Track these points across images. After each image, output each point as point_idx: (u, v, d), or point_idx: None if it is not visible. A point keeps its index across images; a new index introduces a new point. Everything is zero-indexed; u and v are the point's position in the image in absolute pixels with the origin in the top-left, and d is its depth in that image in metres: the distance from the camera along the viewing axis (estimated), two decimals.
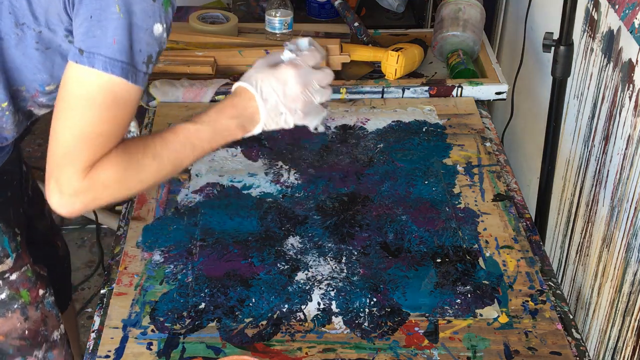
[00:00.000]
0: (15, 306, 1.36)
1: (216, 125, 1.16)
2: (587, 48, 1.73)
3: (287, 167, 1.60)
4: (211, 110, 1.17)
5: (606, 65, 1.62)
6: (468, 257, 1.37)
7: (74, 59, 1.04)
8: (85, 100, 1.04)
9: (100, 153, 1.05)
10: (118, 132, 1.07)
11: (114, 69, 1.03)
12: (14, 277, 1.35)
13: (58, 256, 1.68)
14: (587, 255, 1.74)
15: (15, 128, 1.24)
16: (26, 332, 1.38)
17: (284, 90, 1.17)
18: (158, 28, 1.08)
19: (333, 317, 1.26)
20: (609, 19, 1.60)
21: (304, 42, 1.24)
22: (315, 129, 1.24)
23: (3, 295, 1.34)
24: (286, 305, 1.28)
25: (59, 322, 1.45)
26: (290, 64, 1.18)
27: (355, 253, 1.38)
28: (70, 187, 1.04)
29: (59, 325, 1.45)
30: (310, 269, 1.35)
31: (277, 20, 1.99)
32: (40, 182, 1.43)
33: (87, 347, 1.22)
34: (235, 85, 1.20)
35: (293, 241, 1.41)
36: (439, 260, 1.37)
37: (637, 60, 1.45)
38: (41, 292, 1.40)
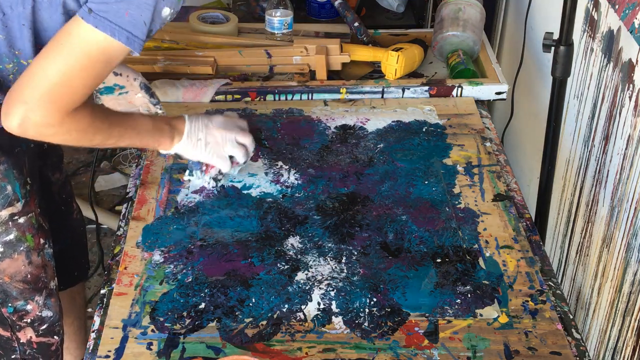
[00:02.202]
0: (21, 248, 1.44)
1: (156, 124, 1.40)
2: (587, 48, 1.73)
3: (287, 167, 1.60)
4: (156, 117, 1.43)
5: (606, 65, 1.62)
6: (468, 257, 1.37)
7: (81, 16, 1.15)
8: (83, 53, 1.16)
9: (78, 102, 1.19)
10: (96, 86, 1.21)
11: (120, 37, 1.15)
12: (21, 220, 1.43)
13: (72, 217, 1.76)
14: (587, 255, 1.74)
15: None
16: (29, 275, 1.47)
17: (208, 124, 1.45)
18: (166, 11, 1.21)
19: (333, 317, 1.26)
20: (609, 19, 1.60)
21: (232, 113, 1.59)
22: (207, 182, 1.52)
23: (11, 236, 1.42)
24: (286, 305, 1.28)
25: (54, 274, 1.54)
26: (222, 115, 1.51)
27: (355, 253, 1.38)
28: (44, 120, 1.17)
29: (54, 277, 1.54)
30: (310, 269, 1.35)
31: (277, 20, 1.99)
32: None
33: (87, 347, 1.22)
34: (179, 115, 1.47)
35: (293, 241, 1.41)
36: (439, 260, 1.37)
37: (637, 60, 1.45)
38: (42, 240, 1.48)
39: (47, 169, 1.63)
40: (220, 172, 1.51)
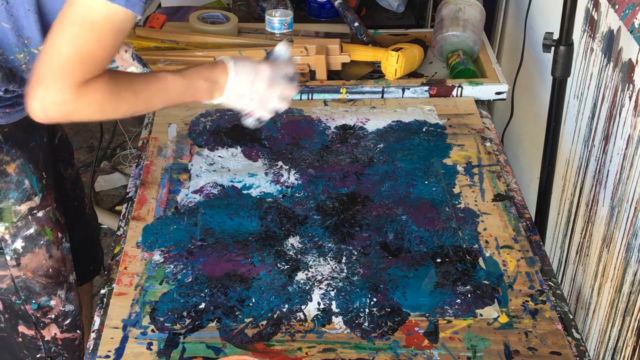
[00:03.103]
0: (42, 242, 1.44)
1: (191, 82, 1.29)
2: (587, 48, 1.73)
3: (287, 167, 1.60)
4: (191, 69, 1.30)
5: (606, 65, 1.62)
6: (468, 257, 1.37)
7: None
8: (89, 24, 1.13)
9: (91, 73, 1.15)
10: (108, 57, 1.17)
11: (120, 1, 1.12)
12: (40, 214, 1.43)
13: (85, 212, 1.77)
14: (587, 255, 1.74)
15: None
16: (50, 269, 1.46)
17: (254, 80, 1.33)
18: None
19: (333, 317, 1.26)
20: (609, 19, 1.60)
21: (285, 52, 1.42)
22: (254, 122, 1.41)
23: (32, 230, 1.42)
24: (286, 305, 1.28)
25: (73, 268, 1.54)
26: (270, 64, 1.36)
27: (355, 253, 1.38)
28: (60, 96, 1.13)
29: (73, 271, 1.53)
30: (310, 269, 1.35)
31: (277, 20, 1.99)
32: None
33: (87, 347, 1.22)
34: (219, 57, 1.35)
35: (293, 241, 1.41)
36: (439, 260, 1.37)
37: (637, 60, 1.45)
38: (60, 234, 1.48)
39: (60, 164, 1.64)
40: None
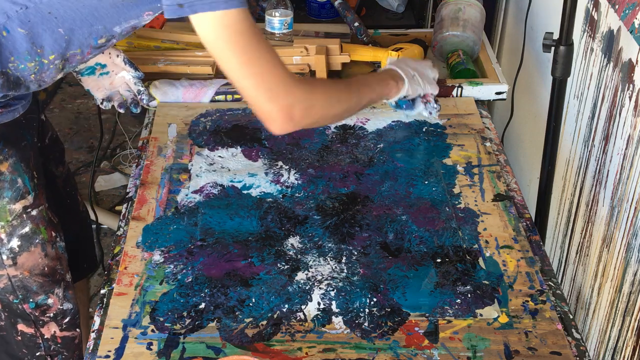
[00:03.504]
0: (37, 241, 1.44)
1: (379, 77, 1.50)
2: (587, 48, 1.73)
3: (287, 167, 1.60)
4: (375, 76, 1.54)
5: (606, 65, 1.62)
6: (468, 257, 1.37)
7: (194, 11, 1.16)
8: (249, 33, 1.18)
9: (288, 75, 1.22)
10: (272, 51, 1.22)
11: (232, 3, 1.15)
12: (34, 212, 1.43)
13: (79, 210, 1.77)
14: (587, 255, 1.74)
15: (52, 82, 1.37)
16: (46, 268, 1.46)
17: (407, 62, 1.58)
18: None
19: (333, 317, 1.26)
20: (609, 19, 1.60)
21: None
22: (430, 113, 1.63)
23: (27, 229, 1.42)
24: (286, 305, 1.28)
25: (68, 267, 1.53)
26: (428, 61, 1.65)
27: (355, 253, 1.38)
28: (288, 95, 1.21)
29: (69, 270, 1.53)
30: (310, 269, 1.35)
31: (277, 20, 1.99)
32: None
33: (87, 347, 1.22)
34: (388, 66, 1.56)
35: (293, 241, 1.41)
36: (439, 260, 1.37)
37: (637, 60, 1.45)
38: (54, 233, 1.48)
39: (51, 163, 1.64)
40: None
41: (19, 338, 1.49)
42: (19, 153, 1.40)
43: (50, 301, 1.48)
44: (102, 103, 1.65)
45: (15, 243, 1.41)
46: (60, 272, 1.50)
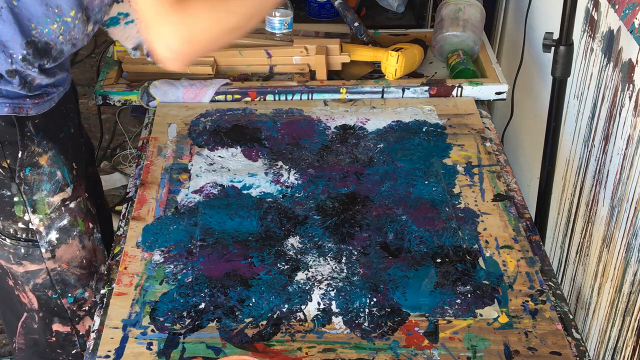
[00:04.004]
0: (75, 233, 1.45)
1: None
2: (587, 48, 1.73)
3: (287, 167, 1.60)
4: None
5: (606, 65, 1.62)
6: (468, 257, 1.37)
7: None
8: None
9: None
10: None
11: None
12: (72, 205, 1.44)
13: (105, 209, 1.78)
14: (587, 255, 1.74)
15: (86, 38, 1.36)
16: (84, 260, 1.47)
17: None
18: None
19: (333, 317, 1.26)
20: (609, 19, 1.60)
21: None
22: None
23: (65, 222, 1.43)
24: (286, 305, 1.28)
25: (105, 259, 1.53)
26: None
27: (355, 253, 1.38)
28: (169, 26, 1.05)
29: (105, 262, 1.52)
30: (310, 269, 1.35)
31: (277, 20, 1.99)
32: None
33: (87, 347, 1.22)
34: None
35: (293, 241, 1.41)
36: (439, 260, 1.37)
37: (637, 60, 1.45)
38: (91, 225, 1.49)
39: (89, 162, 1.64)
40: None
41: (53, 339, 1.49)
42: (58, 145, 1.40)
43: (86, 295, 1.49)
44: (132, 53, 1.61)
45: (53, 236, 1.41)
46: (95, 265, 1.50)
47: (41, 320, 1.47)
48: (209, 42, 1.12)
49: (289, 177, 1.57)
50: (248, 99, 1.83)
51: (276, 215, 1.47)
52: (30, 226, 1.40)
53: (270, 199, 1.51)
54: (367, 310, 1.27)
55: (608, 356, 1.60)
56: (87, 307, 1.50)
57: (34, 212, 1.39)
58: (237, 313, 1.26)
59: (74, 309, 1.49)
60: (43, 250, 1.41)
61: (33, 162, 1.37)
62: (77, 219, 1.45)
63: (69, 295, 1.47)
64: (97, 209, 1.66)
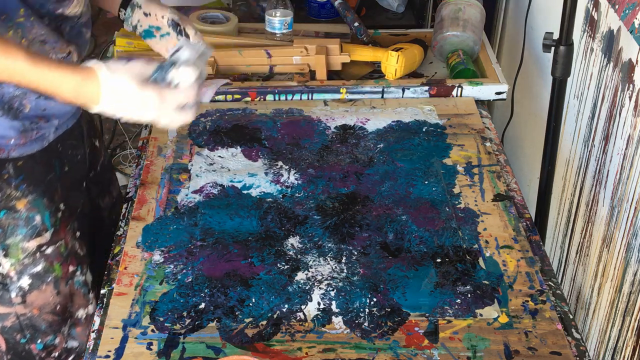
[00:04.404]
0: (49, 279, 1.38)
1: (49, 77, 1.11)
2: (587, 48, 1.73)
3: (287, 167, 1.60)
4: (53, 65, 1.12)
5: (606, 65, 1.62)
6: (468, 257, 1.37)
7: None
8: None
9: None
10: None
11: None
12: (49, 250, 1.37)
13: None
14: (587, 255, 1.74)
15: (55, 34, 1.24)
16: (58, 306, 1.41)
17: (141, 113, 1.16)
18: None
19: (333, 317, 1.26)
20: (609, 19, 1.60)
21: (187, 55, 1.20)
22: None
23: (39, 268, 1.37)
24: (286, 305, 1.28)
25: (88, 302, 1.47)
26: (160, 92, 1.15)
27: (355, 253, 1.38)
28: None
29: (87, 305, 1.46)
30: (310, 269, 1.35)
31: (277, 20, 1.99)
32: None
33: (87, 347, 1.22)
34: (94, 64, 1.15)
35: (293, 241, 1.41)
36: (439, 260, 1.37)
37: (637, 60, 1.45)
38: (71, 268, 1.42)
39: (97, 197, 1.58)
40: None
41: None
42: (42, 187, 1.33)
43: (57, 341, 1.42)
44: None
45: (25, 282, 1.35)
46: (70, 310, 1.43)
47: None
48: None
49: (289, 177, 1.57)
50: (248, 99, 1.83)
51: (276, 215, 1.47)
52: (1, 270, 1.34)
53: (270, 199, 1.51)
54: (367, 310, 1.27)
55: (608, 356, 1.60)
56: (56, 354, 1.43)
57: (5, 255, 1.33)
58: (237, 313, 1.26)
59: (43, 355, 1.42)
60: (13, 294, 1.35)
61: (9, 205, 1.31)
62: (53, 265, 1.37)
63: (39, 341, 1.40)
64: (110, 238, 1.49)
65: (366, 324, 1.25)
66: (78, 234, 1.43)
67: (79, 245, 1.44)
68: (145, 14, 1.41)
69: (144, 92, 1.14)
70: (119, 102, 1.14)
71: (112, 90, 1.12)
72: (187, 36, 1.39)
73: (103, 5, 1.48)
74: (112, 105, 1.14)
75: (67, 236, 1.41)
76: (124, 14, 1.43)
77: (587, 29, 1.74)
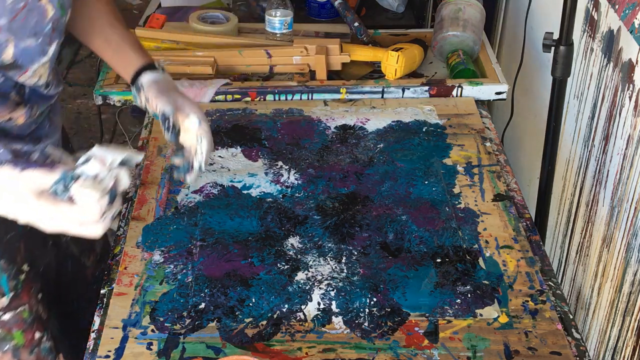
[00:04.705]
0: (7, 347, 1.29)
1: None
2: (587, 48, 1.74)
3: (287, 167, 1.60)
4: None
5: (606, 65, 1.62)
6: (468, 257, 1.37)
7: None
8: None
9: None
10: None
11: None
12: (6, 317, 1.28)
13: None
14: (587, 255, 1.74)
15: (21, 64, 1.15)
16: None
17: (42, 224, 1.08)
18: None
19: (333, 317, 1.26)
20: (609, 19, 1.60)
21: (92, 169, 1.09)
22: None
23: None
24: (286, 305, 1.28)
25: None
26: (57, 206, 1.05)
27: (355, 253, 1.38)
28: None
29: None
30: (310, 269, 1.35)
31: (277, 20, 1.99)
32: None
33: (87, 347, 1.22)
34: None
35: (293, 241, 1.41)
36: (439, 260, 1.37)
37: (637, 60, 1.45)
38: (37, 335, 1.32)
39: (81, 255, 1.51)
40: None
41: None
42: (1, 249, 1.24)
43: None
44: None
45: None
46: None
47: None
48: None
49: (289, 177, 1.57)
50: (248, 99, 1.83)
51: (276, 215, 1.47)
52: None
53: (270, 199, 1.51)
54: (367, 310, 1.27)
55: (608, 356, 1.60)
56: None
57: None
58: (237, 313, 1.26)
59: None
60: None
61: None
62: (11, 332, 1.27)
63: None
64: (90, 300, 1.41)
65: (366, 324, 1.25)
66: (40, 295, 1.32)
67: (42, 308, 1.33)
68: (147, 99, 1.31)
69: (39, 203, 1.04)
70: (17, 210, 1.06)
71: (8, 194, 1.04)
72: (179, 132, 1.28)
73: (117, 72, 1.40)
74: (10, 210, 1.06)
75: (32, 300, 1.30)
76: (132, 91, 1.35)
77: (587, 29, 1.74)
